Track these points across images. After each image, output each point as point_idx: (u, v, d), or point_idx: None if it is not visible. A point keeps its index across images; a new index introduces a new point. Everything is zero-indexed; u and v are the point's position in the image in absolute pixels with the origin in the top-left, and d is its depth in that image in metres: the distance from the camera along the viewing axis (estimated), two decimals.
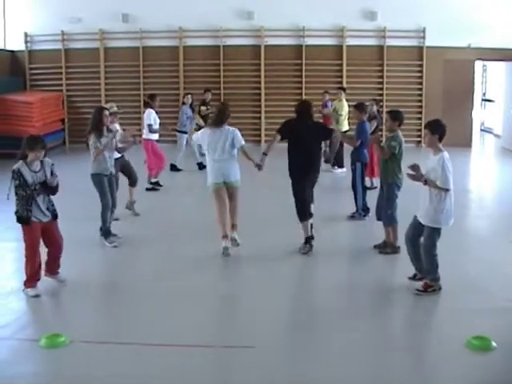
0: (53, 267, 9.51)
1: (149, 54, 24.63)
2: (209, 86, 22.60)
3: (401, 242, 10.76)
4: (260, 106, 24.69)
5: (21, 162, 8.90)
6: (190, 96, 19.57)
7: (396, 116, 10.99)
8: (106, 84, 24.91)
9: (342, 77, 24.34)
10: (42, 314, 8.96)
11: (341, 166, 18.70)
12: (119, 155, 12.75)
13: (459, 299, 9.05)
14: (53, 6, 24.31)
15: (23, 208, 8.91)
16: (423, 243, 9.19)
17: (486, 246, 11.90)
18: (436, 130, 9.05)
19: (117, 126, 12.98)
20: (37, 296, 9.12)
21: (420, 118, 23.90)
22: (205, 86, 22.14)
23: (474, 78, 24.86)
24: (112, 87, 24.74)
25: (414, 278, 9.56)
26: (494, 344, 7.57)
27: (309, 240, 11.33)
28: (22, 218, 8.97)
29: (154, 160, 15.96)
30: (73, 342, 7.69)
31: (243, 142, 11.23)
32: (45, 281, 9.28)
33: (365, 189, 13.51)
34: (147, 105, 16.25)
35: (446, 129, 9.10)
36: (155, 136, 15.96)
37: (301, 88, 24.50)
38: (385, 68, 24.35)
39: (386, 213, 11.05)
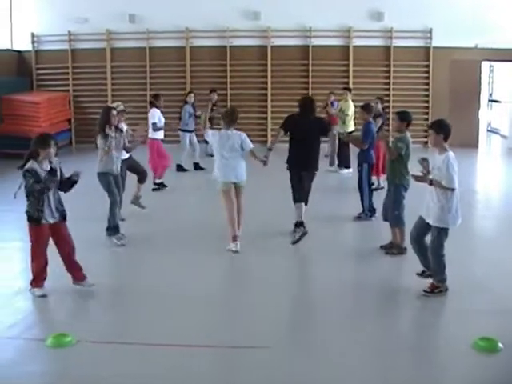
0: (74, 270, 9.38)
1: (155, 55, 24.63)
2: (215, 86, 22.62)
3: (407, 243, 10.77)
4: (266, 107, 24.66)
5: (31, 161, 8.89)
6: (192, 95, 19.58)
7: (404, 116, 10.97)
8: (113, 84, 24.92)
9: (348, 77, 24.29)
10: (48, 313, 8.98)
11: (347, 166, 18.68)
12: (127, 156, 12.79)
13: (466, 300, 9.04)
14: (59, 6, 24.32)
15: (34, 208, 8.91)
16: (430, 244, 9.17)
17: (492, 247, 11.90)
18: (440, 129, 9.02)
19: (123, 125, 12.99)
20: (43, 296, 9.14)
21: (427, 119, 23.80)
22: (211, 86, 22.17)
23: (480, 78, 24.81)
24: (118, 87, 24.75)
25: (422, 274, 9.55)
26: (500, 345, 7.56)
27: (298, 225, 11.90)
28: (33, 218, 8.96)
29: (157, 160, 15.97)
30: (79, 342, 7.71)
31: (252, 146, 11.50)
32: (51, 280, 9.28)
33: (371, 189, 13.50)
34: (152, 104, 16.31)
35: (451, 128, 9.07)
36: (160, 135, 15.99)
37: (307, 88, 24.44)
38: (391, 68, 24.29)
39: (393, 214, 11.03)
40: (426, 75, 24.48)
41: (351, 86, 22.76)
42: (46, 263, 9.22)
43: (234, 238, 11.36)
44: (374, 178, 14.28)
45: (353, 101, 19.54)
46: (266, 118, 24.43)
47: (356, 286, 9.91)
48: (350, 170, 18.24)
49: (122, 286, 9.84)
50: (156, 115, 15.92)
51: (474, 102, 24.47)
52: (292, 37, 24.37)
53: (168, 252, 11.45)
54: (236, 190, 11.52)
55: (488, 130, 29.75)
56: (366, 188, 13.28)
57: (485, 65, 26.01)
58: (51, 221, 9.05)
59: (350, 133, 18.21)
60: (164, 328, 8.25)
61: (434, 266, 9.15)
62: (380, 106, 16.17)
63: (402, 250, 11.04)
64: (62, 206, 9.26)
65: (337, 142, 19.39)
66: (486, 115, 30.16)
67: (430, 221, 9.06)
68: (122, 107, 13.25)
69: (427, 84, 24.49)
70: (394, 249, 11.15)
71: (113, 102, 21.45)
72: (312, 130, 12.00)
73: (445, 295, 9.15)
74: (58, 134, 22.56)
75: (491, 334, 7.71)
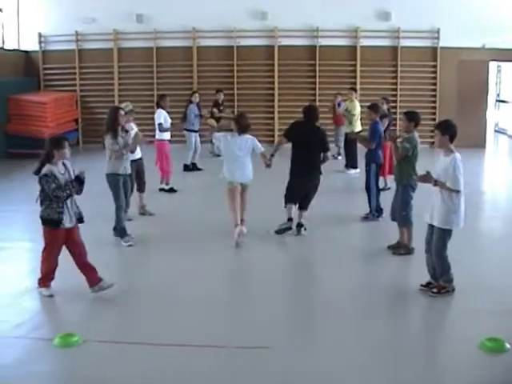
0: (89, 272, 9.24)
1: (162, 55, 24.65)
2: (222, 86, 22.64)
3: (415, 243, 10.76)
4: (273, 107, 24.67)
5: (47, 165, 8.85)
6: (197, 94, 19.60)
7: (412, 117, 10.93)
8: (120, 84, 24.95)
9: (355, 77, 24.28)
10: (55, 313, 8.99)
11: (354, 166, 18.67)
12: (137, 157, 12.78)
13: (473, 300, 9.02)
14: (67, 6, 24.35)
15: (54, 211, 8.87)
16: (434, 245, 9.12)
17: (499, 247, 11.87)
18: (446, 130, 8.96)
19: (132, 126, 12.98)
20: (51, 296, 9.14)
21: (434, 119, 23.74)
22: (218, 86, 22.18)
23: (488, 78, 24.78)
24: (126, 87, 24.78)
25: (427, 286, 9.42)
26: (507, 345, 7.54)
27: (290, 220, 12.35)
28: (53, 221, 8.90)
29: (164, 161, 15.93)
30: (86, 342, 7.72)
31: (263, 149, 12.05)
32: (58, 280, 9.28)
33: (379, 190, 13.47)
34: (158, 105, 16.30)
35: (457, 129, 9.01)
36: (167, 136, 15.96)
37: (314, 89, 24.48)
38: (399, 69, 24.27)
39: (401, 214, 11.01)
40: (434, 75, 24.45)
41: (358, 86, 22.83)
42: (56, 265, 9.22)
43: (237, 226, 11.70)
44: (381, 179, 14.24)
45: (360, 101, 19.54)
46: (272, 118, 24.43)
47: (362, 286, 9.89)
48: (358, 170, 18.23)
49: (128, 285, 9.84)
50: (161, 116, 15.88)
51: (482, 103, 24.44)
52: (299, 37, 24.38)
53: (175, 252, 11.45)
54: (242, 189, 11.93)
55: (495, 131, 29.69)
56: (373, 188, 13.26)
57: (492, 65, 25.97)
58: (68, 225, 9.02)
59: (357, 133, 18.17)
60: (169, 328, 8.26)
61: (438, 268, 9.11)
62: (385, 107, 16.14)
63: (409, 251, 11.02)
64: (78, 207, 9.25)
65: (343, 142, 19.45)
66: (494, 115, 30.11)
67: (435, 222, 9.02)
68: (130, 107, 13.24)
69: (434, 84, 24.47)
70: (401, 249, 11.12)
71: (120, 101, 21.50)
72: (314, 138, 12.31)
73: (452, 295, 9.12)
74: (65, 134, 22.61)
75: (498, 335, 7.68)
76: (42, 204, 9.01)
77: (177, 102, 19.99)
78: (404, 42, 24.17)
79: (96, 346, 7.71)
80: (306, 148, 12.22)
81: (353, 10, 23.69)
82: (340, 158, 20.57)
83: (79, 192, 9.18)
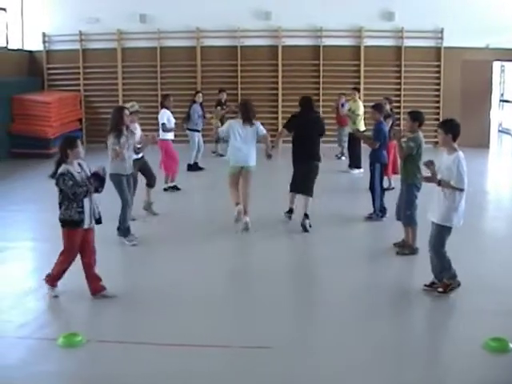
0: (94, 280, 9.19)
1: (166, 55, 24.68)
2: (226, 86, 22.69)
3: (419, 243, 10.74)
4: (277, 107, 24.69)
5: (63, 165, 8.77)
6: (200, 94, 19.65)
7: (416, 116, 10.93)
8: (124, 84, 24.98)
9: (359, 77, 24.30)
10: (59, 313, 8.99)
11: (358, 166, 18.66)
12: (139, 156, 12.77)
13: (476, 300, 9.00)
14: (71, 6, 24.39)
15: (75, 211, 8.77)
16: (432, 242, 9.10)
17: (503, 247, 11.85)
18: (449, 129, 8.94)
19: (137, 126, 12.98)
20: (56, 297, 9.14)
21: (438, 119, 23.66)
22: (222, 86, 22.21)
23: (491, 78, 24.75)
24: (129, 87, 24.81)
25: (431, 286, 9.42)
26: (511, 345, 7.53)
27: (290, 211, 13.22)
28: (74, 222, 8.81)
29: (167, 161, 15.94)
30: (89, 342, 7.72)
31: (265, 132, 12.96)
32: (62, 280, 9.27)
33: (383, 190, 13.45)
34: (162, 105, 16.30)
35: (460, 128, 8.99)
36: (170, 135, 15.96)
37: (318, 89, 24.49)
38: (402, 69, 24.27)
39: (405, 213, 11.01)
40: (437, 75, 24.45)
41: (362, 86, 22.87)
42: (68, 267, 9.18)
43: (237, 204, 12.58)
44: (385, 178, 14.22)
45: (364, 101, 19.55)
46: (276, 118, 24.44)
47: (365, 286, 9.88)
48: (361, 170, 18.22)
49: (132, 285, 9.84)
50: (165, 116, 15.89)
51: (485, 102, 24.43)
52: (303, 37, 24.41)
53: (178, 252, 11.47)
54: (244, 173, 12.72)
55: (499, 130, 29.67)
56: (378, 188, 13.23)
57: (496, 65, 25.93)
58: (86, 226, 8.96)
59: (361, 131, 18.14)
60: (173, 328, 8.26)
61: (439, 266, 9.08)
62: (388, 107, 16.12)
63: (413, 251, 11.01)
64: (98, 207, 9.20)
65: (347, 142, 19.45)
66: (497, 115, 30.06)
67: (434, 219, 9.01)
68: (136, 107, 13.19)
69: (438, 84, 24.46)
70: (405, 249, 11.11)
71: (124, 101, 21.59)
72: (312, 126, 13.00)
73: (455, 294, 9.07)
74: (72, 134, 22.68)
75: (502, 335, 7.67)
76: (60, 206, 8.87)
77: (180, 102, 19.99)
78: (408, 42, 24.17)
79: (100, 346, 7.72)
80: (305, 137, 12.86)
81: (356, 9, 23.69)
82: (344, 158, 20.58)
83: (100, 189, 9.12)
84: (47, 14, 24.75)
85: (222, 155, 18.59)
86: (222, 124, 19.97)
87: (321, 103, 24.28)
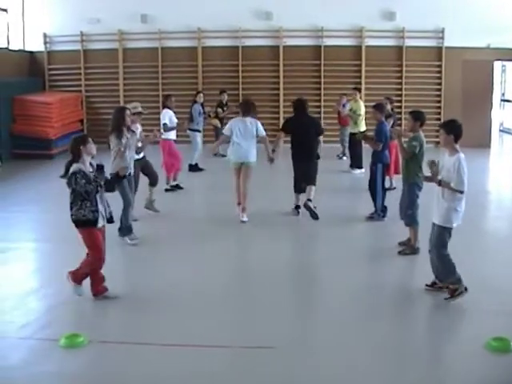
0: (97, 281, 9.12)
1: (167, 55, 24.69)
2: (227, 86, 22.74)
3: (421, 243, 10.73)
4: (278, 107, 24.70)
5: (75, 164, 8.69)
6: (201, 95, 19.71)
7: (417, 116, 10.92)
8: (125, 85, 24.99)
9: (360, 77, 24.29)
10: (61, 313, 8.96)
11: (359, 166, 18.65)
12: (140, 156, 12.77)
13: (478, 300, 8.97)
14: (72, 6, 24.41)
15: (89, 210, 8.71)
16: (433, 243, 9.03)
17: (505, 247, 11.83)
18: (451, 130, 8.90)
19: (138, 127, 12.97)
20: (80, 295, 9.04)
21: (439, 119, 23.76)
22: (223, 86, 22.26)
23: (492, 78, 24.76)
24: (131, 88, 24.82)
25: (432, 286, 9.40)
26: None
27: (298, 207, 13.75)
28: (89, 221, 8.75)
29: (168, 160, 15.93)
30: (91, 342, 7.72)
31: (264, 133, 13.52)
32: (62, 280, 9.26)
33: (385, 190, 13.42)
34: (164, 105, 16.31)
35: (462, 129, 8.95)
36: (173, 135, 15.97)
37: (319, 89, 24.50)
38: (403, 68, 24.27)
39: (407, 213, 11.00)
40: (438, 75, 24.45)
41: (363, 86, 22.87)
42: (99, 267, 9.08)
43: (239, 204, 13.29)
44: (386, 178, 14.21)
45: (365, 101, 19.55)
46: (278, 119, 24.42)
47: (367, 286, 9.88)
48: (363, 170, 18.20)
49: (133, 285, 9.85)
50: (167, 116, 15.90)
51: (486, 102, 24.42)
52: (304, 37, 24.41)
53: (179, 252, 11.48)
54: (244, 169, 13.29)
55: (500, 130, 29.68)
56: (379, 188, 13.21)
57: (497, 64, 25.95)
58: (100, 225, 8.93)
59: (364, 132, 18.12)
60: (174, 328, 8.26)
61: (442, 269, 9.00)
62: (389, 107, 16.11)
63: (414, 250, 11.00)
64: (109, 206, 9.15)
65: (348, 142, 19.47)
66: (499, 115, 30.08)
67: (436, 220, 8.98)
68: (139, 109, 13.17)
69: (439, 84, 24.46)
70: (407, 249, 11.11)
71: (125, 102, 21.61)
72: (307, 127, 13.53)
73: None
74: (70, 135, 22.62)
75: (504, 334, 7.66)
76: (71, 207, 8.79)
77: (182, 103, 19.99)
78: (409, 42, 24.18)
79: (101, 347, 7.73)
80: (302, 139, 13.40)
81: (357, 9, 23.69)
82: (345, 158, 20.58)
83: (111, 189, 9.16)
84: (48, 15, 24.77)
85: (223, 155, 18.57)
86: (222, 124, 20.20)
87: (322, 103, 24.32)
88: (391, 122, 15.15)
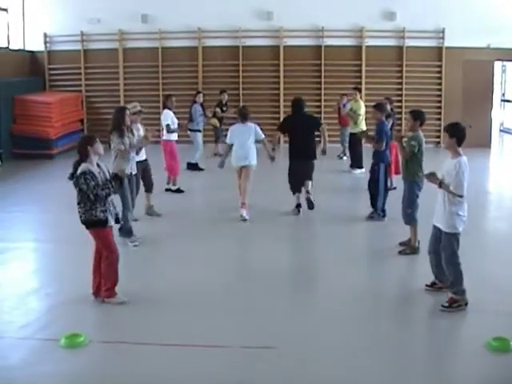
0: (101, 280, 9.07)
1: (168, 55, 24.68)
2: (227, 86, 22.72)
3: (421, 242, 10.73)
4: (279, 107, 24.68)
5: (82, 164, 8.66)
6: (201, 95, 19.71)
7: (417, 116, 10.92)
8: (125, 85, 24.98)
9: (361, 77, 24.28)
10: (61, 313, 8.95)
11: (360, 166, 18.65)
12: (142, 158, 12.77)
13: (479, 300, 8.95)
14: (72, 6, 24.40)
15: (99, 211, 8.68)
16: (443, 252, 8.90)
17: (505, 247, 11.83)
18: (453, 133, 8.86)
19: (139, 126, 12.96)
20: (123, 303, 9.03)
21: (439, 119, 23.85)
22: (224, 86, 22.24)
23: (493, 78, 24.73)
24: (131, 88, 24.81)
25: (431, 286, 9.39)
26: None
27: (298, 206, 13.82)
28: (101, 221, 8.73)
29: (170, 161, 15.89)
30: (91, 342, 7.73)
31: (263, 136, 13.81)
32: (63, 280, 9.27)
33: (386, 190, 13.40)
34: (165, 106, 16.28)
35: (466, 133, 8.87)
36: (174, 136, 15.95)
37: (320, 89, 24.49)
38: (404, 68, 24.25)
39: (406, 212, 11.00)
40: (439, 75, 24.43)
41: (363, 86, 22.85)
42: (117, 266, 9.05)
43: (242, 205, 13.47)
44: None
45: (365, 101, 19.55)
46: (278, 119, 24.31)
47: (367, 286, 9.89)
48: (363, 169, 18.19)
49: (134, 286, 9.82)
50: (168, 117, 15.84)
51: (487, 102, 24.39)
52: (304, 37, 24.39)
53: (180, 252, 11.47)
54: (244, 171, 13.54)
55: (501, 130, 29.66)
56: (381, 188, 13.18)
57: (497, 65, 25.95)
58: (111, 223, 8.93)
59: (364, 132, 18.10)
60: (175, 328, 8.27)
61: (450, 276, 8.87)
62: (389, 107, 16.09)
63: (414, 250, 11.01)
64: (115, 207, 9.13)
65: (348, 142, 19.47)
66: (499, 115, 30.07)
67: (440, 224, 8.94)
68: (138, 108, 13.18)
69: (440, 84, 24.45)
70: (407, 248, 11.11)
71: (126, 102, 21.59)
72: (305, 125, 13.78)
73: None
74: (70, 135, 22.72)
75: (504, 334, 7.67)
76: (79, 206, 8.74)
77: (182, 103, 19.97)
78: (409, 42, 24.16)
79: (102, 347, 7.74)
80: (299, 137, 13.70)
81: (358, 10, 23.68)
82: (345, 157, 20.59)
83: (115, 192, 9.12)
84: (48, 15, 24.76)
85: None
86: (221, 124, 20.27)
87: (322, 103, 24.32)
88: (391, 122, 15.15)
